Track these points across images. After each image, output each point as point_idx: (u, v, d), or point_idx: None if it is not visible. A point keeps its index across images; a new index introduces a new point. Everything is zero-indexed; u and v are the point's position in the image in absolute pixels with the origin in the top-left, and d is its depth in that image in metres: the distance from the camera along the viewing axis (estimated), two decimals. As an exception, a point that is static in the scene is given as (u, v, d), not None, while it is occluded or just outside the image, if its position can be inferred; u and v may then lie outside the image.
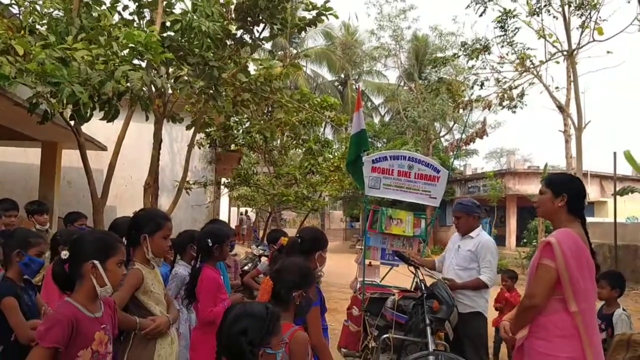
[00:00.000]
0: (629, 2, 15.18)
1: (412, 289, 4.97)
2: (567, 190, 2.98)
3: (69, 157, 11.76)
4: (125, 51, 6.15)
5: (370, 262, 5.47)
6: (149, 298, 2.93)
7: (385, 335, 4.52)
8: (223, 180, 14.74)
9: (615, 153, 15.91)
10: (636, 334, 3.85)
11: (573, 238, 2.87)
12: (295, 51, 29.71)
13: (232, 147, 13.25)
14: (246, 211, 31.93)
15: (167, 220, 3.07)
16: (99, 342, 2.37)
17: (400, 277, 5.63)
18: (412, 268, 4.79)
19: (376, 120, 37.30)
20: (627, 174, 24.03)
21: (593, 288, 2.94)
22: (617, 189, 15.94)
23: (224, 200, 21.62)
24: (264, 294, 2.63)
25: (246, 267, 8.98)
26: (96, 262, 2.35)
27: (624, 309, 4.37)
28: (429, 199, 5.38)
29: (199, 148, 12.79)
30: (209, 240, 3.61)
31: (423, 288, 4.52)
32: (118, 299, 2.82)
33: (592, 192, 26.92)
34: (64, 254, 2.37)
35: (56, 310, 2.33)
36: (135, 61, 6.20)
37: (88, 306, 2.37)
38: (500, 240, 26.78)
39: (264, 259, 9.56)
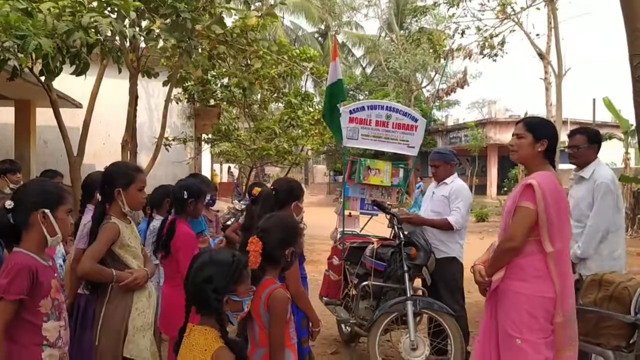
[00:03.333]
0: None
1: (391, 237, 5.02)
2: (548, 136, 2.98)
3: (44, 116, 11.49)
4: (94, 3, 5.94)
5: (349, 213, 5.49)
6: (125, 252, 2.92)
7: (364, 283, 4.59)
8: (203, 136, 14.58)
9: (594, 100, 16.09)
10: (607, 274, 3.95)
11: (553, 181, 2.91)
12: (272, 1, 28.95)
13: (212, 102, 13.04)
14: (229, 167, 31.86)
15: (139, 172, 3.04)
16: (56, 290, 2.35)
17: (379, 227, 5.69)
18: (389, 216, 4.83)
19: (358, 72, 36.91)
20: (607, 120, 24.24)
21: (569, 229, 3.00)
22: (596, 135, 16.11)
23: (206, 157, 21.46)
24: (255, 255, 2.53)
25: (229, 222, 9.01)
26: (47, 210, 2.29)
27: None
28: (407, 149, 5.37)
29: (177, 103, 12.57)
30: (185, 192, 3.59)
31: (401, 236, 4.58)
32: (94, 252, 2.80)
33: (572, 139, 27.16)
34: (9, 204, 2.28)
35: (11, 260, 2.23)
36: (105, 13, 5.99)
37: (40, 255, 2.32)
38: (481, 189, 27.16)
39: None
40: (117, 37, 5.94)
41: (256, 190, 3.93)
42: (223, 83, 12.24)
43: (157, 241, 3.59)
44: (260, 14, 8.55)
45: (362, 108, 5.28)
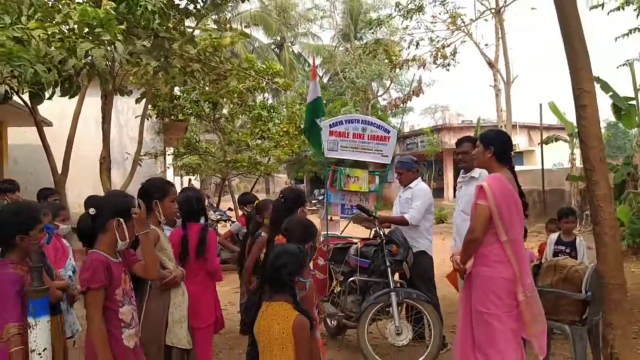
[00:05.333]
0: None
1: (371, 237, 5.57)
2: (493, 143, 3.62)
3: (13, 136, 11.56)
4: (78, 28, 6.23)
5: (331, 217, 6.02)
6: (163, 254, 3.34)
7: (351, 279, 5.11)
8: (171, 149, 14.83)
9: (541, 105, 17.18)
10: (561, 260, 4.59)
11: (502, 181, 3.53)
12: (229, 15, 29.28)
13: (180, 116, 13.37)
14: (189, 180, 31.81)
15: (172, 186, 3.52)
16: (124, 281, 2.82)
17: (357, 229, 6.23)
18: (373, 218, 5.38)
19: (314, 82, 37.47)
20: (553, 123, 25.55)
21: (520, 221, 3.60)
22: (544, 137, 17.24)
23: (169, 170, 21.57)
24: None
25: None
26: (121, 219, 2.76)
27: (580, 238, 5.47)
28: (381, 157, 5.95)
29: (147, 119, 12.83)
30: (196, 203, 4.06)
31: (382, 235, 5.13)
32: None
33: (521, 142, 28.49)
34: (92, 211, 2.77)
35: (89, 259, 2.71)
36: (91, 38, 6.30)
37: (111, 255, 2.78)
38: (438, 192, 28.08)
39: (228, 223, 10.04)
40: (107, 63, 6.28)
41: (256, 202, 4.45)
42: (192, 98, 12.58)
43: (183, 247, 3.95)
44: (231, 34, 9.00)
45: (341, 122, 5.83)
